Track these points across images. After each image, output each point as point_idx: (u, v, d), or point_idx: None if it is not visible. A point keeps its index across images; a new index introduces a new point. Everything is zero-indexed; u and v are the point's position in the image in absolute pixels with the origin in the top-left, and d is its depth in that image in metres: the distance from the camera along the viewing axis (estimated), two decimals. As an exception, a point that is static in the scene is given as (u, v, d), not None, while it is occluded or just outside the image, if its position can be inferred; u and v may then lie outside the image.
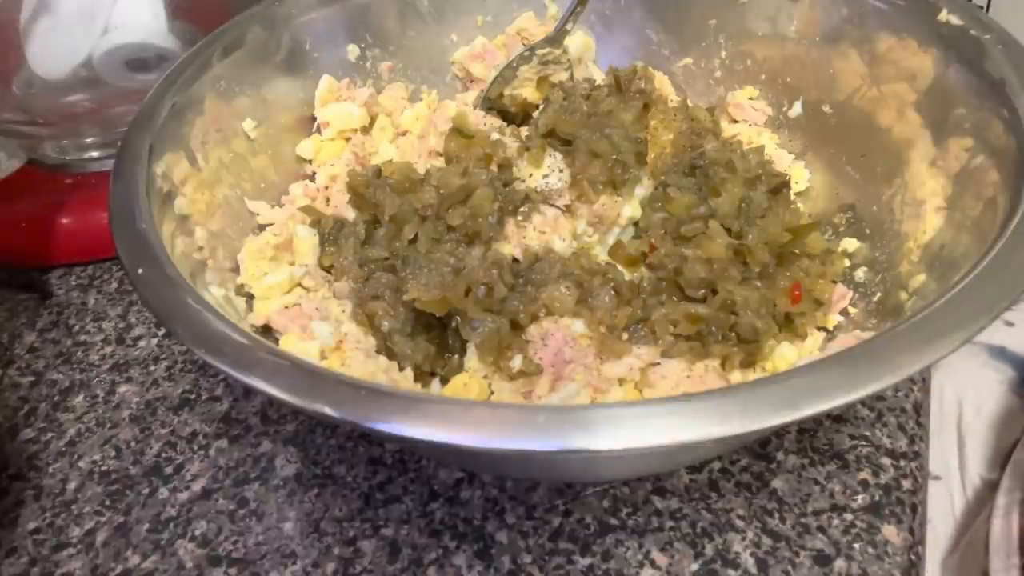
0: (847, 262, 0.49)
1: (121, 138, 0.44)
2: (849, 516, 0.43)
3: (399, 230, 0.48)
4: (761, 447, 0.46)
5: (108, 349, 0.56)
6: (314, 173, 0.55)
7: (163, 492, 0.47)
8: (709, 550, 0.42)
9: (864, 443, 0.46)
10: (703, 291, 0.45)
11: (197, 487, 0.47)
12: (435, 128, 0.56)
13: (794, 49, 0.56)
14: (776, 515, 0.43)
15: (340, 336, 0.44)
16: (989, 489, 0.56)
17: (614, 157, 0.49)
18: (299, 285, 0.48)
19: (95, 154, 0.65)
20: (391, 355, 0.44)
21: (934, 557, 0.56)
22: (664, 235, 0.48)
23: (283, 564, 0.43)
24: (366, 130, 0.58)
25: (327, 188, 0.53)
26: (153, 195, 0.42)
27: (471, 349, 0.44)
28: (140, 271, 0.37)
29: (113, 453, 0.49)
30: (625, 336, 0.45)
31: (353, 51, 0.59)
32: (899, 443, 0.46)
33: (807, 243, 0.46)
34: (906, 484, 0.44)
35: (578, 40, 0.61)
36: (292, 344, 0.43)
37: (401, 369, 0.43)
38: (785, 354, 0.44)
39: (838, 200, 0.53)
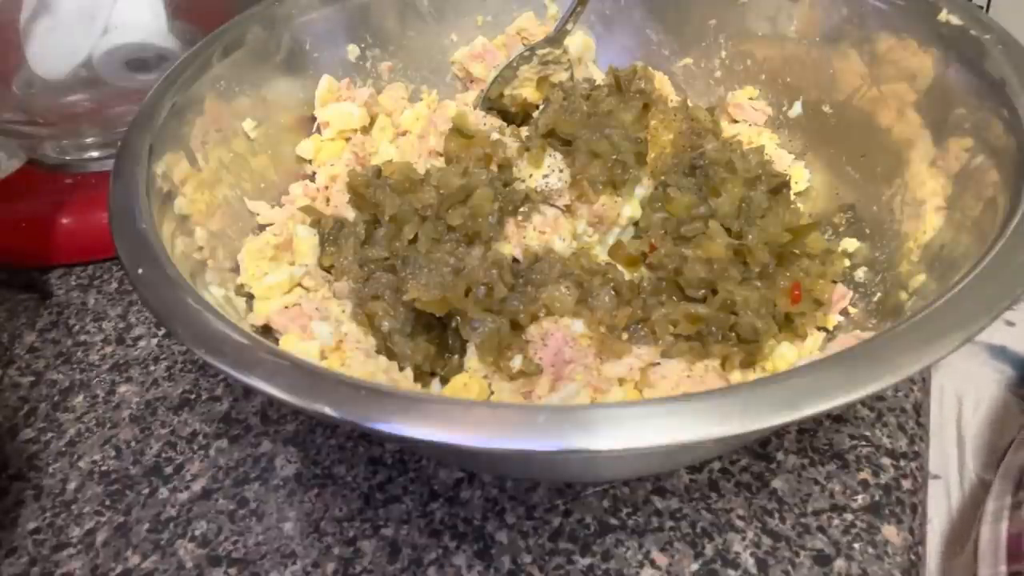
0: (847, 262, 0.49)
1: (121, 138, 0.44)
2: (849, 516, 0.43)
3: (399, 230, 0.48)
4: (761, 447, 0.46)
5: (108, 349, 0.56)
6: (314, 173, 0.55)
7: (163, 492, 0.47)
8: (709, 550, 0.42)
9: (864, 443, 0.46)
10: (703, 291, 0.45)
11: (197, 487, 0.47)
12: (435, 128, 0.56)
13: (794, 49, 0.56)
14: (776, 515, 0.43)
15: (340, 336, 0.44)
16: (985, 490, 0.56)
17: (614, 157, 0.49)
18: (299, 285, 0.48)
19: (95, 154, 0.65)
20: (391, 355, 0.44)
21: (933, 556, 0.56)
22: (664, 235, 0.48)
23: (283, 564, 0.43)
24: (366, 130, 0.58)
25: (327, 188, 0.53)
26: (153, 195, 0.42)
27: (471, 349, 0.44)
28: (140, 271, 0.37)
29: (113, 453, 0.49)
30: (625, 336, 0.45)
31: (353, 51, 0.59)
32: (899, 443, 0.46)
33: (807, 243, 0.46)
34: (906, 484, 0.44)
35: (578, 40, 0.61)
36: (292, 344, 0.43)
37: (401, 369, 0.43)
38: (785, 354, 0.44)
39: (838, 200, 0.53)
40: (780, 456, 0.45)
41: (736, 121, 0.59)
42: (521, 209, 0.49)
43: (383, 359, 0.43)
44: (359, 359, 0.42)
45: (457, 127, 0.52)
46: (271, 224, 0.51)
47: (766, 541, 0.42)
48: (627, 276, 0.49)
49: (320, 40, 0.57)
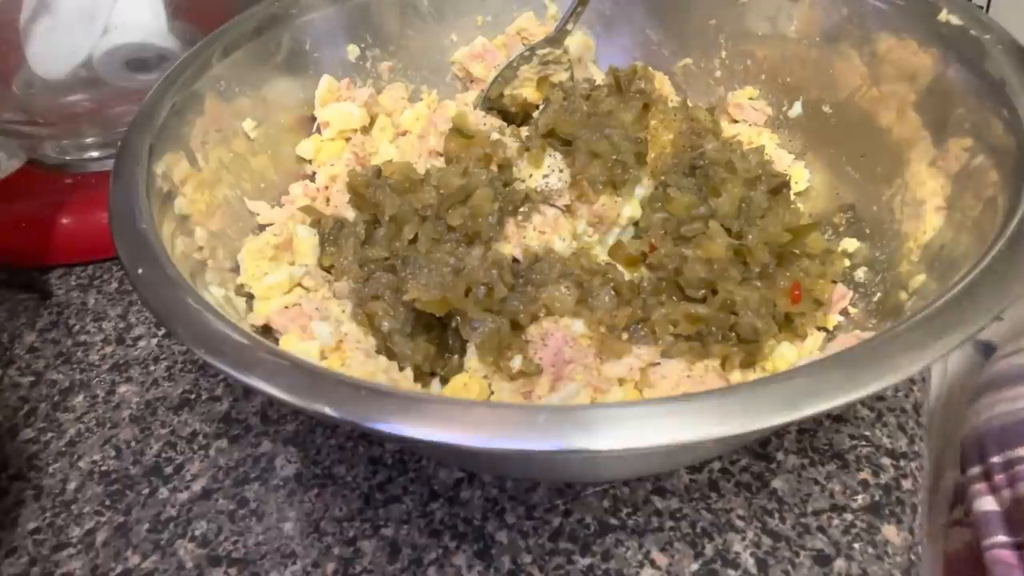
0: (847, 262, 0.49)
1: (121, 138, 0.44)
2: (849, 516, 0.43)
3: (399, 230, 0.48)
4: (761, 447, 0.46)
5: (108, 349, 0.56)
6: (314, 173, 0.55)
7: (163, 492, 0.47)
8: (709, 550, 0.42)
9: (864, 443, 0.46)
10: (703, 291, 0.45)
11: (197, 487, 0.47)
12: (435, 128, 0.56)
13: (794, 49, 0.56)
14: (776, 515, 0.43)
15: (340, 336, 0.44)
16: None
17: (614, 157, 0.49)
18: (299, 285, 0.48)
19: (95, 154, 0.65)
20: (391, 355, 0.44)
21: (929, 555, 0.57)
22: (664, 235, 0.48)
23: (283, 564, 0.43)
24: (366, 130, 0.58)
25: (327, 188, 0.53)
26: (153, 195, 0.42)
27: (471, 349, 0.44)
28: (140, 271, 0.37)
29: (113, 453, 0.49)
30: (625, 336, 0.45)
31: (353, 51, 0.59)
32: (899, 443, 0.46)
33: (807, 243, 0.47)
34: (906, 484, 0.44)
35: (578, 40, 0.61)
36: (292, 344, 0.43)
37: (401, 369, 0.43)
38: (785, 354, 0.44)
39: (838, 200, 0.53)
40: (780, 456, 0.45)
41: (736, 121, 0.59)
42: (521, 209, 0.49)
43: (383, 359, 0.43)
44: (359, 359, 0.42)
45: (457, 127, 0.52)
46: (271, 224, 0.51)
47: (766, 541, 0.42)
48: (627, 276, 0.49)
49: (320, 40, 0.57)
